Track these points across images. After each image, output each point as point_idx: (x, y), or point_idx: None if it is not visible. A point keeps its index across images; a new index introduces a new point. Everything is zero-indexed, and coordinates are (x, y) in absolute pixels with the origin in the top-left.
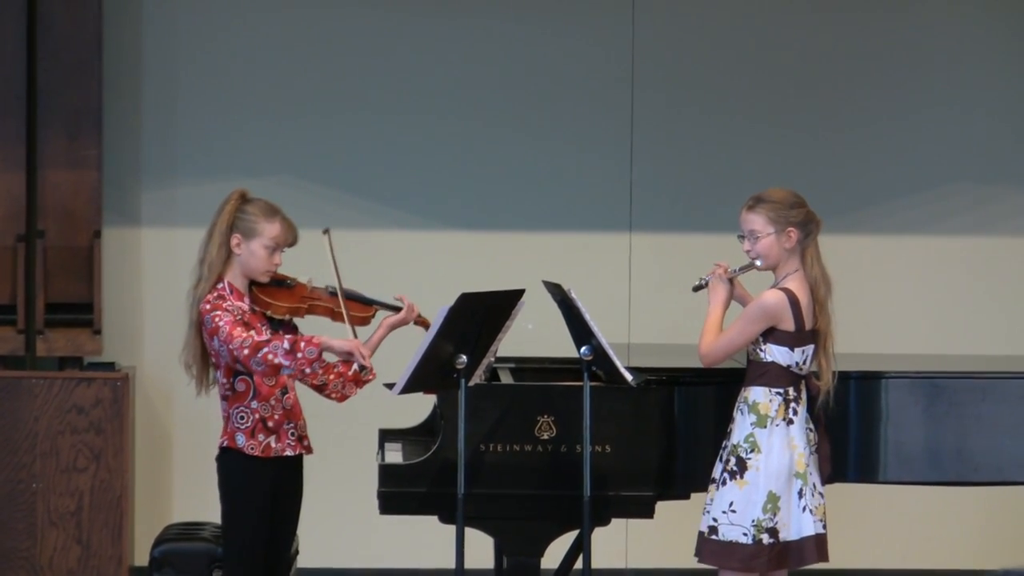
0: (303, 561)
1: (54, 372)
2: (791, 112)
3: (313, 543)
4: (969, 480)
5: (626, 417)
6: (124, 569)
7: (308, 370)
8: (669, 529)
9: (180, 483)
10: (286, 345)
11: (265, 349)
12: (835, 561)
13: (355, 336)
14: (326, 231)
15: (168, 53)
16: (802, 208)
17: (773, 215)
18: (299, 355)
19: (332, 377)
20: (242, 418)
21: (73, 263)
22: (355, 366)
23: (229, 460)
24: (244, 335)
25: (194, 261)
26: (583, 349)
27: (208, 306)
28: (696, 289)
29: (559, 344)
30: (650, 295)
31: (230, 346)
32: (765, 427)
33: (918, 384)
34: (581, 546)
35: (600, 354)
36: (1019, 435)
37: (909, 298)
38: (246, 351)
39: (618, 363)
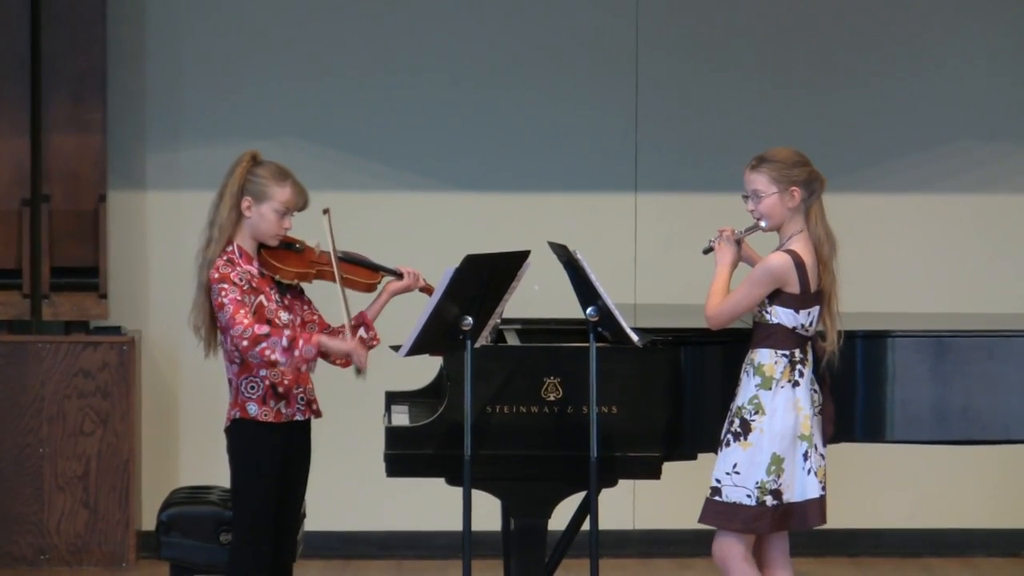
0: (310, 524)
1: (60, 336)
2: (796, 71)
3: (320, 506)
4: (976, 439)
5: (632, 378)
6: (131, 533)
7: (304, 368)
8: (676, 490)
9: (187, 447)
10: (284, 342)
11: (263, 344)
12: (841, 521)
13: (347, 308)
14: (326, 211)
15: (172, 15)
16: (805, 167)
17: (776, 174)
18: (296, 352)
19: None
20: (252, 388)
21: (78, 227)
22: (353, 367)
23: (241, 429)
24: (246, 324)
25: (199, 224)
26: (589, 310)
27: (217, 275)
28: (706, 251)
29: (565, 305)
30: (656, 256)
31: (231, 331)
32: (770, 389)
33: (924, 343)
34: (588, 507)
35: (606, 315)
36: None
37: (914, 257)
38: (245, 343)
39: (624, 324)
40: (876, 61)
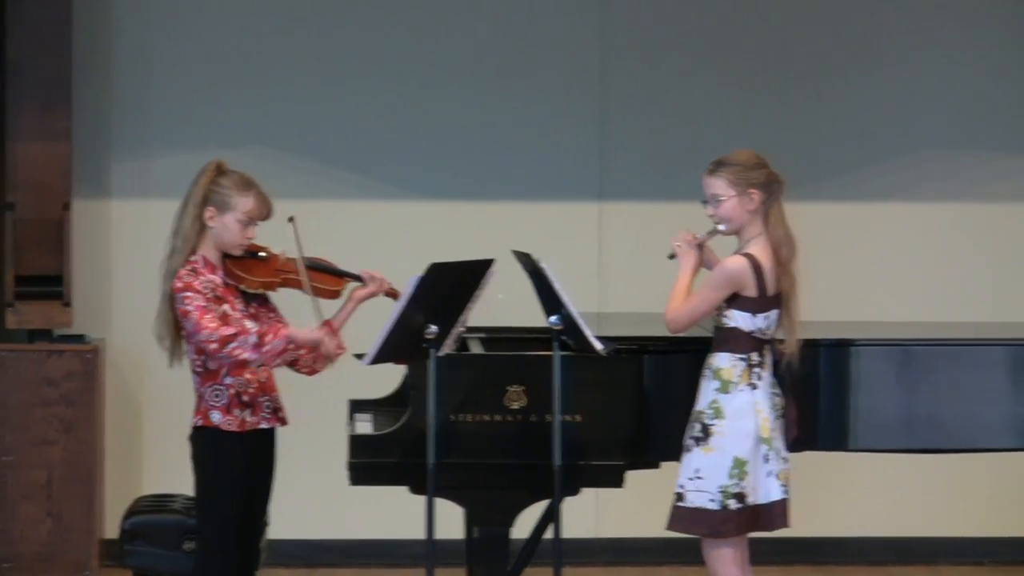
0: (274, 532)
1: (24, 345)
2: (762, 80)
3: (284, 514)
4: (941, 447)
5: (596, 386)
6: (95, 541)
7: (277, 361)
8: (639, 499)
9: (151, 455)
10: (253, 339)
11: (233, 344)
12: (806, 529)
13: (318, 311)
14: (291, 219)
15: (139, 24)
16: (764, 169)
17: (734, 177)
18: (266, 348)
19: (303, 353)
20: (217, 395)
21: (44, 236)
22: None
23: (204, 437)
24: (212, 327)
25: (165, 233)
26: (553, 318)
27: (180, 284)
28: (672, 257)
29: (529, 314)
30: (621, 264)
31: (198, 336)
32: (729, 392)
33: (890, 351)
34: (552, 515)
35: (570, 323)
36: (991, 402)
37: (881, 265)
38: (214, 345)
39: (588, 332)
40: (844, 69)
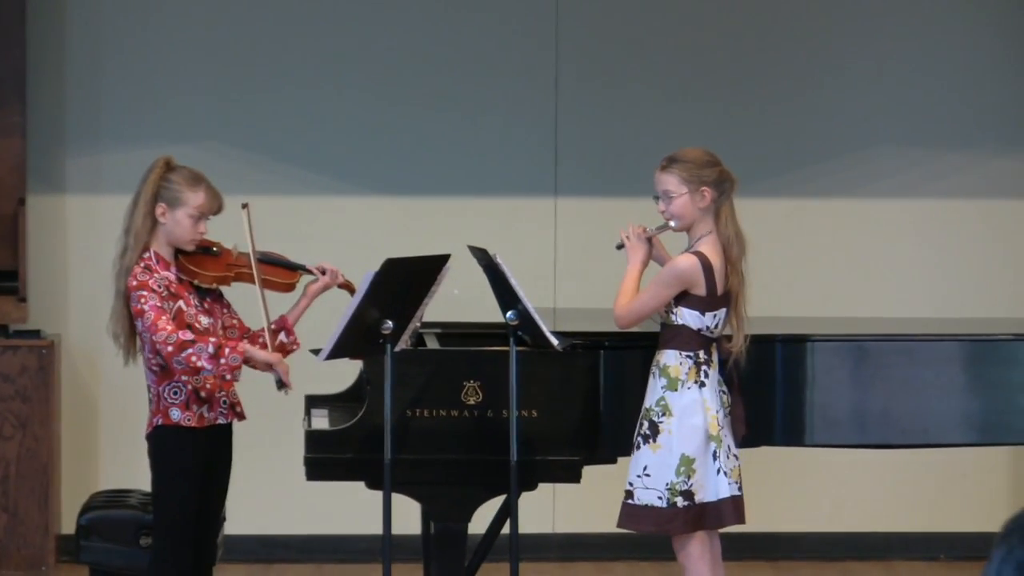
0: (230, 528)
1: None
2: (716, 76)
3: (240, 510)
4: (895, 443)
5: (552, 382)
6: (51, 537)
7: (228, 376)
8: (596, 494)
9: (107, 451)
10: (211, 349)
11: (190, 351)
12: (761, 525)
13: (266, 309)
14: (245, 205)
15: (92, 18)
16: (716, 167)
17: (686, 175)
18: (222, 360)
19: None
20: (175, 393)
21: None
22: (274, 379)
23: (163, 434)
24: (169, 330)
25: (119, 228)
26: (509, 314)
27: (135, 282)
28: (620, 247)
29: (485, 309)
30: (576, 260)
31: (153, 337)
32: (676, 390)
33: (844, 347)
34: (508, 511)
35: (526, 319)
36: (945, 397)
37: (834, 261)
38: (170, 348)
39: (544, 328)
40: (797, 66)
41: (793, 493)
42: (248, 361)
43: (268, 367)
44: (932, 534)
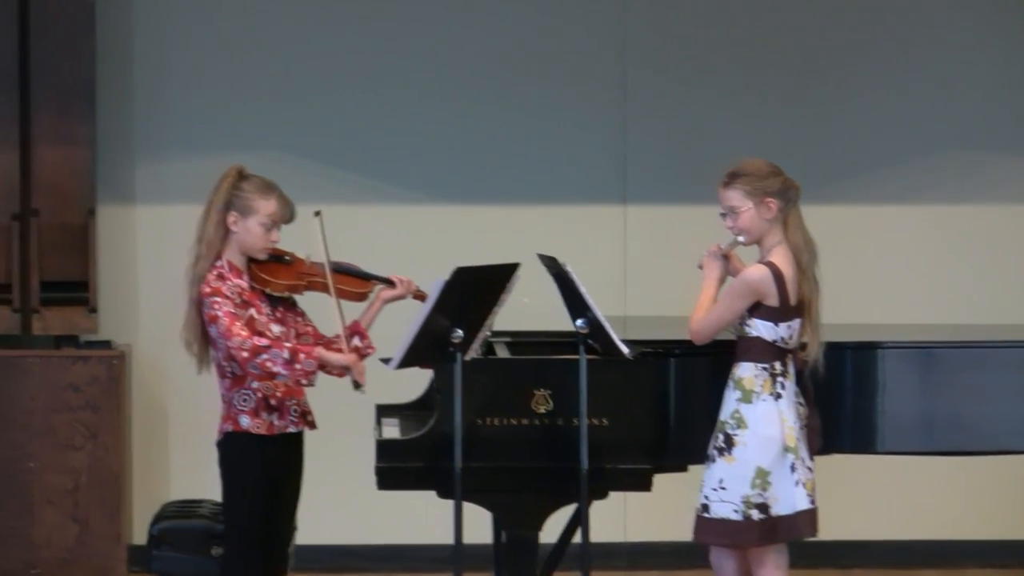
0: (301, 537)
1: (50, 350)
2: (783, 83)
3: (311, 519)
4: (966, 449)
5: (622, 389)
6: (122, 547)
7: (304, 382)
8: (668, 503)
9: (177, 460)
10: (286, 355)
11: (264, 356)
12: (831, 533)
13: (341, 317)
14: (317, 213)
15: (159, 27)
16: (778, 176)
17: (749, 188)
18: (297, 366)
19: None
20: (244, 400)
21: (68, 241)
22: (351, 381)
23: (233, 441)
24: (244, 335)
25: (188, 237)
26: (579, 322)
27: (208, 289)
28: (701, 267)
29: (555, 318)
30: (645, 267)
31: (228, 343)
32: (751, 402)
33: (914, 354)
34: (579, 519)
35: (596, 327)
36: (1015, 403)
37: (902, 268)
38: (245, 354)
39: (614, 336)
40: (861, 72)
41: (864, 500)
42: (324, 366)
43: (344, 370)
44: (1004, 541)
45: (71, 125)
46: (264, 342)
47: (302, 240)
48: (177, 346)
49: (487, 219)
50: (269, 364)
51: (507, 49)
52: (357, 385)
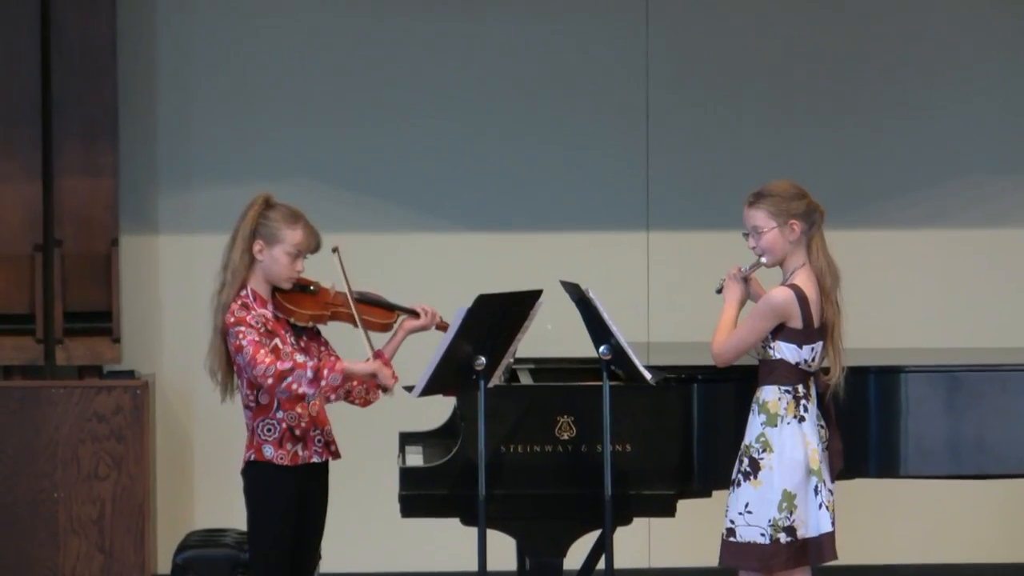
0: (326, 566)
1: (74, 380)
2: (806, 107)
3: (335, 547)
4: (990, 472)
5: (646, 416)
6: None
7: (332, 397)
8: (692, 528)
9: (202, 489)
10: (310, 374)
11: (289, 379)
12: (854, 557)
13: (370, 345)
14: (335, 249)
15: (182, 58)
16: (803, 199)
17: (774, 209)
18: (323, 383)
19: (356, 384)
20: (269, 430)
21: (91, 271)
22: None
23: (256, 471)
24: (268, 362)
25: (212, 266)
26: (602, 348)
27: (232, 318)
28: (719, 291)
29: (578, 344)
30: (668, 293)
31: (253, 371)
32: (776, 426)
33: (938, 377)
34: (603, 546)
35: (619, 353)
36: None
37: (926, 292)
38: (270, 380)
39: (637, 362)
40: (886, 96)
41: (887, 524)
42: (350, 377)
43: (372, 377)
44: None
45: (94, 155)
46: (287, 365)
47: (323, 272)
48: (201, 375)
49: (511, 246)
50: (295, 386)
51: (530, 77)
52: (385, 389)
